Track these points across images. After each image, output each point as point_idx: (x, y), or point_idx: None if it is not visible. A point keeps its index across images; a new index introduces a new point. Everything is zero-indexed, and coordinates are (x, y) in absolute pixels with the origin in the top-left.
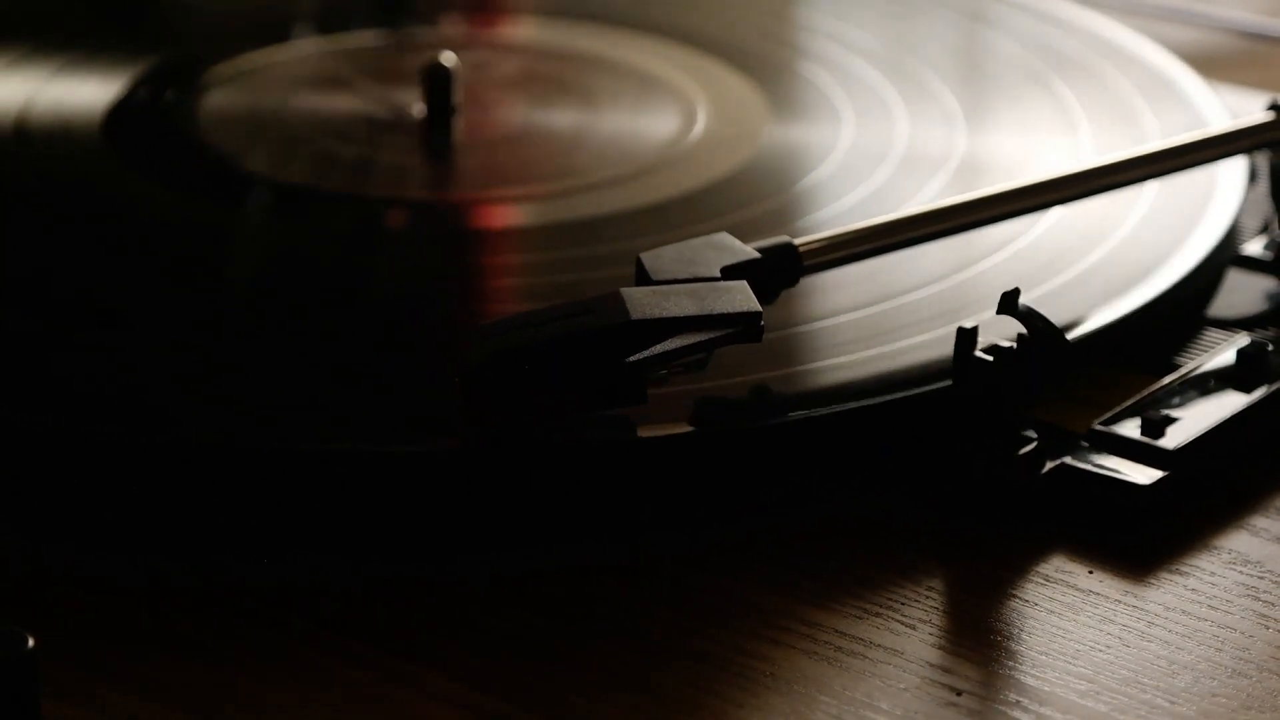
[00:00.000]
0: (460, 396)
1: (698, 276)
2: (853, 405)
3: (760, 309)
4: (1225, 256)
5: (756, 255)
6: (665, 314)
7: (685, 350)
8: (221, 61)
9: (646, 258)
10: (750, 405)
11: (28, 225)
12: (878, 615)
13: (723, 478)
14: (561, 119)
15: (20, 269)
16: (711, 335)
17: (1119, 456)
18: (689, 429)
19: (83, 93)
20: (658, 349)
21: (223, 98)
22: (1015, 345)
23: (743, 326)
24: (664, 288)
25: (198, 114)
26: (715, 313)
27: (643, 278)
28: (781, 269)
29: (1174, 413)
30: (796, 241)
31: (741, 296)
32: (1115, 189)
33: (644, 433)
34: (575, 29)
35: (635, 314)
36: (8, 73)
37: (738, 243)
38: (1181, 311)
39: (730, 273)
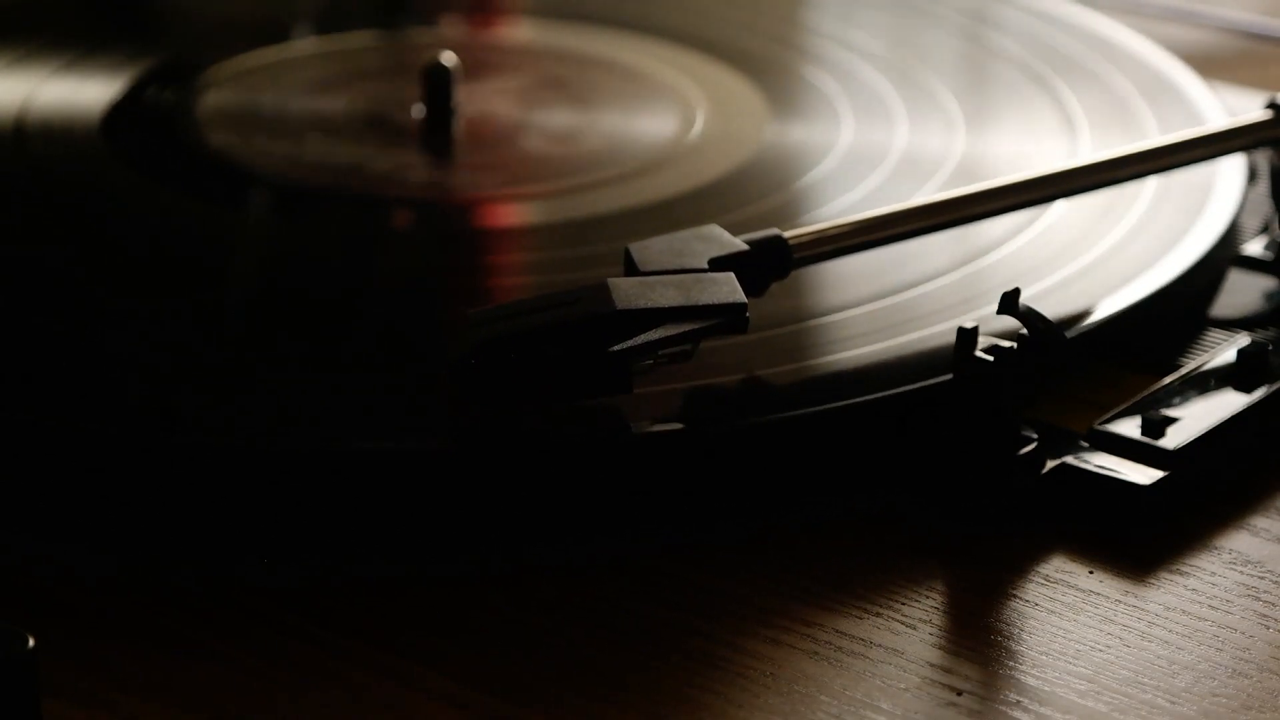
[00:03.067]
0: (448, 385)
1: (685, 268)
2: (851, 402)
3: (745, 300)
4: (1224, 255)
5: (745, 248)
6: (650, 304)
7: (670, 340)
8: (221, 61)
9: (635, 249)
10: (747, 402)
11: (28, 225)
12: (878, 615)
13: (721, 476)
14: (561, 119)
15: (20, 269)
16: (696, 326)
17: (1119, 456)
18: (685, 426)
19: (83, 93)
20: (641, 339)
21: (222, 98)
22: (1015, 345)
23: (728, 318)
24: (651, 278)
25: (197, 114)
26: (700, 304)
27: (631, 269)
28: (771, 261)
29: (1174, 413)
30: (786, 234)
31: (727, 288)
32: (1111, 185)
33: (642, 430)
34: (575, 29)
35: (621, 304)
36: (8, 73)
37: (726, 235)
38: (1181, 311)
39: (718, 265)
